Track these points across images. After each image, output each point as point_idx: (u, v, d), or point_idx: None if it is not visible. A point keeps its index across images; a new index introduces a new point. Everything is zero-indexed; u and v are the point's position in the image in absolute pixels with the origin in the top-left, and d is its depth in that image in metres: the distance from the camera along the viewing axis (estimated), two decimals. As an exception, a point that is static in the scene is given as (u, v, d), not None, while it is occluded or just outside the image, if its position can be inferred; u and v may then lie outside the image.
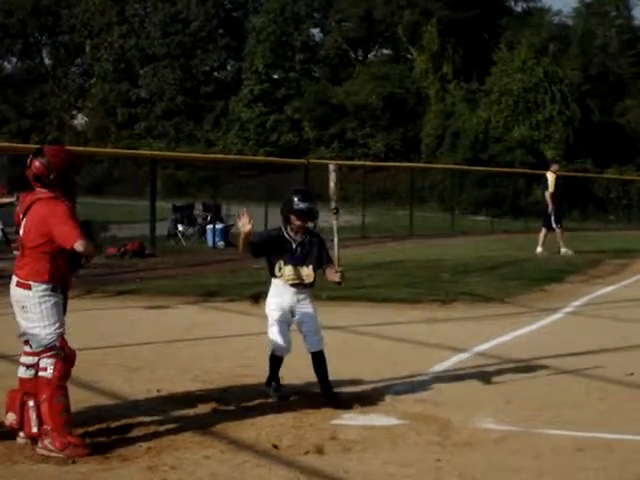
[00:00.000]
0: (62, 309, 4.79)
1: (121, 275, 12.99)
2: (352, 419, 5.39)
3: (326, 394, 5.71)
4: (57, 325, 4.72)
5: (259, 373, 6.02)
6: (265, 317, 5.81)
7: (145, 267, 14.18)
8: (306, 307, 5.74)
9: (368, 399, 5.85)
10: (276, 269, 5.67)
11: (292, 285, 5.66)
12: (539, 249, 17.53)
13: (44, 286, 4.68)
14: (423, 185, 36.19)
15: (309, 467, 4.52)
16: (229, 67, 55.70)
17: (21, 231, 4.81)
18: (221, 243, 18.41)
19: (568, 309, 10.40)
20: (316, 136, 47.02)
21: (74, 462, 4.52)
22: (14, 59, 60.26)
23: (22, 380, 4.85)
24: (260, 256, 5.84)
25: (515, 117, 40.30)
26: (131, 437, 4.92)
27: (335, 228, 5.81)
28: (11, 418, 4.78)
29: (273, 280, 5.75)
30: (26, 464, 4.52)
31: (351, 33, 52.40)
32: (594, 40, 46.92)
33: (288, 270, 5.65)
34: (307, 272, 5.69)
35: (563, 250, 17.50)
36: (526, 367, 6.94)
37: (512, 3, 50.94)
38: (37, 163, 4.76)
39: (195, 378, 6.33)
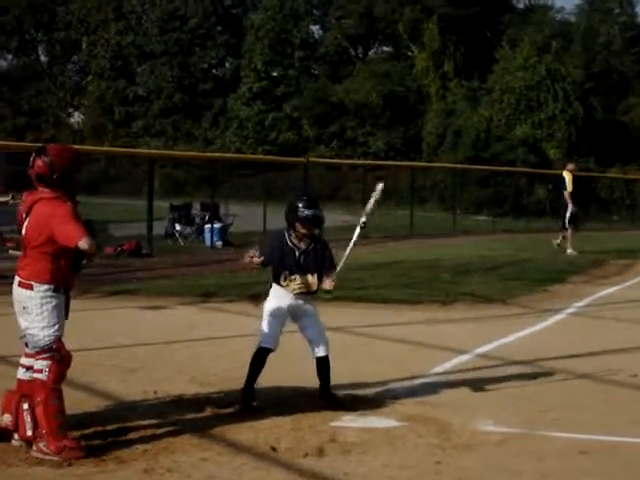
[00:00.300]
0: (63, 311, 4.75)
1: (118, 275, 12.93)
2: (351, 421, 5.35)
3: (325, 397, 5.65)
4: (56, 327, 4.68)
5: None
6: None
7: (142, 267, 14.14)
8: (308, 311, 5.65)
9: (368, 401, 5.82)
10: (281, 279, 5.58)
11: (297, 294, 5.57)
12: (569, 250, 17.53)
13: (46, 286, 4.64)
14: (424, 184, 36.13)
15: (308, 470, 4.49)
16: (227, 64, 55.59)
17: (23, 231, 4.76)
18: (219, 243, 18.37)
19: (571, 310, 10.36)
20: (315, 134, 46.96)
21: (70, 465, 4.48)
22: (10, 56, 60.16)
23: (20, 382, 4.81)
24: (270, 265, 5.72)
25: (517, 115, 40.24)
26: (127, 439, 4.88)
27: (355, 238, 5.75)
28: (7, 419, 4.74)
29: (274, 284, 5.66)
30: (21, 467, 4.48)
31: (351, 30, 52.33)
32: (597, 37, 46.81)
33: (294, 281, 5.55)
34: (312, 280, 5.58)
35: (569, 251, 17.49)
36: (528, 369, 6.91)
37: (514, 0, 50.91)
38: (40, 162, 4.70)
39: (192, 380, 6.29)
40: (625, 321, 9.57)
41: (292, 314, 5.64)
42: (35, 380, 4.66)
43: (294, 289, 5.56)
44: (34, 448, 4.62)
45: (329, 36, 53.38)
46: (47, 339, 4.65)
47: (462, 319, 9.42)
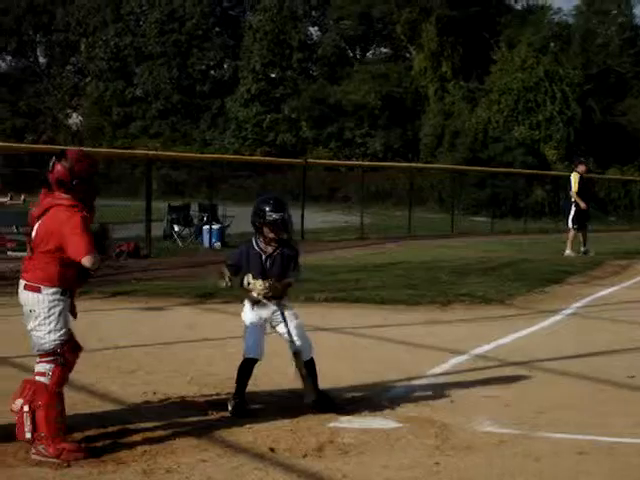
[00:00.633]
0: (69, 315, 4.73)
1: (116, 276, 12.91)
2: (350, 422, 5.35)
3: (315, 399, 5.57)
4: (63, 332, 4.66)
5: (254, 375, 5.96)
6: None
7: (140, 268, 14.11)
8: (286, 317, 5.50)
9: (366, 402, 5.82)
10: (244, 282, 5.46)
11: (265, 298, 5.44)
12: (583, 248, 17.54)
13: (54, 289, 4.63)
14: (422, 185, 36.13)
15: (307, 470, 4.50)
16: (226, 66, 55.55)
17: (33, 233, 4.74)
18: (217, 244, 18.36)
19: (568, 311, 10.37)
20: (314, 135, 46.98)
21: (69, 465, 4.49)
22: (8, 57, 60.20)
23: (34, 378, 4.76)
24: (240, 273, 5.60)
25: (515, 117, 40.25)
26: (127, 440, 4.88)
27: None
28: (19, 404, 4.68)
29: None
30: (21, 467, 4.48)
31: (349, 31, 52.38)
32: (595, 39, 46.87)
33: (257, 284, 5.41)
34: (275, 284, 5.42)
35: (567, 251, 17.48)
36: (526, 369, 6.91)
37: (512, 1, 50.92)
38: (60, 167, 4.68)
39: (191, 381, 6.29)
40: (623, 322, 9.58)
41: (269, 320, 5.54)
42: (37, 382, 4.65)
43: (258, 293, 5.43)
44: (33, 451, 4.62)
45: (327, 37, 53.40)
46: (53, 343, 4.64)
47: (460, 320, 9.42)
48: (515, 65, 41.21)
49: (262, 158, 37.50)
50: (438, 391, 6.16)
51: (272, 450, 4.77)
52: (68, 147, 5.00)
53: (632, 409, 5.84)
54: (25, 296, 4.68)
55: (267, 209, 5.40)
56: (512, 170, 33.54)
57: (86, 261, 4.57)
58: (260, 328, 5.52)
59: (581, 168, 18.18)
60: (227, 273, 5.50)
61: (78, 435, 4.85)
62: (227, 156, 35.39)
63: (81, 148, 5.01)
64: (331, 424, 5.29)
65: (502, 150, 37.59)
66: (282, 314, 5.51)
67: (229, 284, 5.54)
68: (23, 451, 4.64)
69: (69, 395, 4.93)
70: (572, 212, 17.69)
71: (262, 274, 5.44)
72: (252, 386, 5.66)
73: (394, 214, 30.50)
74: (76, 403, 5.30)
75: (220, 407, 5.55)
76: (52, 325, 4.62)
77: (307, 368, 5.54)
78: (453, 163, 34.99)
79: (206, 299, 10.53)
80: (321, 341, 6.48)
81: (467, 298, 10.78)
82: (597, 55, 45.58)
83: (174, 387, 6.06)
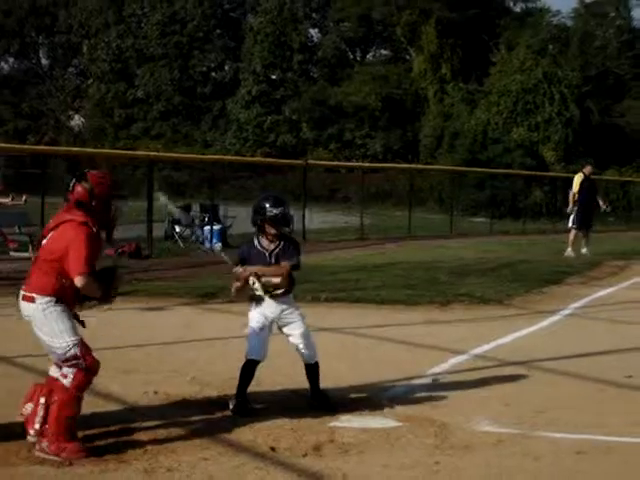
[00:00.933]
0: (71, 319, 4.73)
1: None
2: (350, 421, 5.37)
3: (316, 398, 5.64)
4: (68, 333, 4.66)
5: (256, 375, 5.99)
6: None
7: (142, 268, 14.13)
8: (292, 318, 5.57)
9: (366, 401, 5.83)
10: (250, 282, 5.47)
11: (272, 297, 5.47)
12: (583, 249, 17.57)
13: (48, 298, 4.64)
14: (422, 186, 36.14)
15: (307, 469, 4.52)
16: (227, 68, 55.56)
17: (44, 241, 4.76)
18: (218, 244, 18.35)
19: (567, 311, 10.39)
20: (314, 137, 46.99)
21: (70, 464, 4.51)
22: (11, 59, 60.24)
23: (49, 378, 4.79)
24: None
25: (514, 118, 40.24)
26: (128, 439, 4.90)
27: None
28: (29, 408, 4.73)
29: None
30: (23, 466, 4.50)
31: (349, 33, 52.41)
32: (593, 41, 46.89)
33: (261, 282, 5.44)
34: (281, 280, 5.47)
35: (568, 250, 17.50)
36: (524, 369, 6.93)
37: (511, 3, 50.95)
38: (80, 189, 4.73)
39: (192, 380, 6.30)
40: (621, 322, 9.60)
41: (276, 321, 5.58)
42: (59, 381, 4.67)
43: (265, 291, 5.45)
44: (37, 447, 4.64)
45: (328, 39, 53.43)
46: (64, 347, 4.63)
47: (459, 320, 9.44)
48: (514, 67, 41.22)
49: (263, 159, 37.51)
50: (437, 391, 6.18)
51: (273, 449, 4.79)
52: (89, 169, 4.98)
53: (630, 408, 5.86)
54: (23, 307, 4.73)
55: (267, 205, 5.49)
56: (511, 171, 33.56)
57: (78, 281, 4.59)
58: (264, 328, 5.55)
59: (587, 169, 18.30)
60: (239, 267, 5.51)
61: (80, 434, 4.85)
62: (228, 157, 35.42)
63: (102, 170, 4.97)
64: (331, 423, 5.30)
65: (501, 151, 37.59)
66: (291, 315, 5.55)
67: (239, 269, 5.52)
68: (25, 450, 4.66)
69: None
70: (574, 212, 17.75)
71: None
72: (254, 386, 5.69)
73: (394, 215, 30.51)
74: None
75: (221, 406, 5.57)
76: (53, 330, 4.63)
77: (309, 370, 5.60)
78: (452, 164, 35.01)
79: (207, 299, 10.56)
80: (321, 341, 6.49)
81: (466, 298, 10.81)
82: (595, 57, 45.61)
83: (175, 386, 6.07)
